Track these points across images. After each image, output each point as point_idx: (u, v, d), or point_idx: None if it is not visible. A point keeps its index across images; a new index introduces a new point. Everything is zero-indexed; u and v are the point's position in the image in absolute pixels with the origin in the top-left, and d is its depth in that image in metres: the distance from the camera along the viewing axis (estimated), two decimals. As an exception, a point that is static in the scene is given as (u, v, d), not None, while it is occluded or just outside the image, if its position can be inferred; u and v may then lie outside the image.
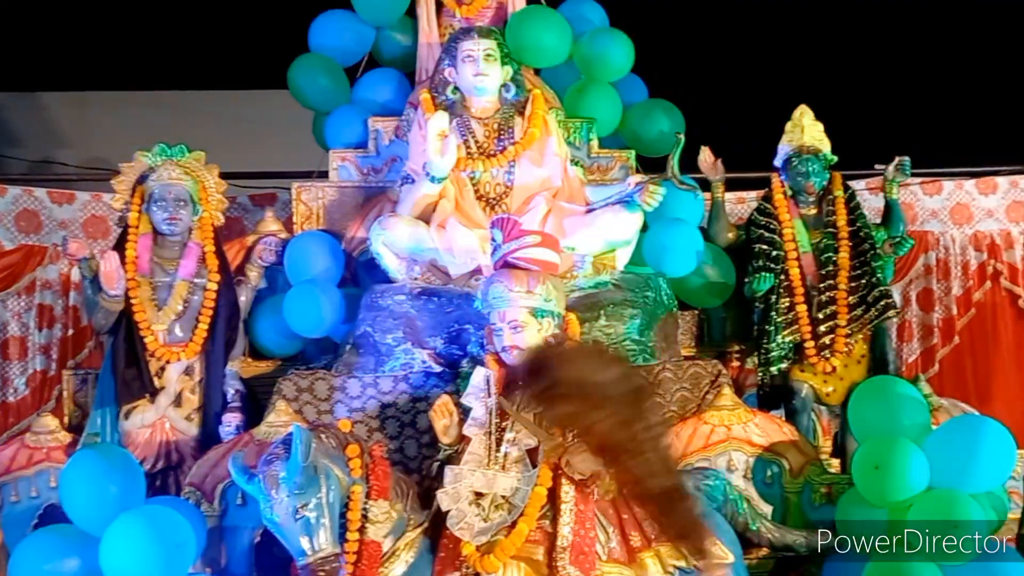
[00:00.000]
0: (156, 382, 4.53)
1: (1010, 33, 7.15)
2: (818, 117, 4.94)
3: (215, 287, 4.62)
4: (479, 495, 3.63)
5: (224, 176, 4.84)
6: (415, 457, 4.16)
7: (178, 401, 4.56)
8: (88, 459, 4.01)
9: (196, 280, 4.62)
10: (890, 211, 4.95)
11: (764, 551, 4.08)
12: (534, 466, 3.64)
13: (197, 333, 4.57)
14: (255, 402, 4.62)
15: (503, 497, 3.62)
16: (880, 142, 5.59)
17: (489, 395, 3.76)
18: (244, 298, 4.78)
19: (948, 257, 6.18)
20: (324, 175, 5.17)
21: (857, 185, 5.69)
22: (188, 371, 4.57)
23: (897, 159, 4.92)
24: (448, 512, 3.62)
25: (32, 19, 7.24)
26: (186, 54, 7.39)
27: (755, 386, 4.84)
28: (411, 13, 5.31)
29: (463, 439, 3.74)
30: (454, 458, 3.73)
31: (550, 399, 3.53)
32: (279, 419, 4.15)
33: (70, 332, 5.90)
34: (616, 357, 3.84)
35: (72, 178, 6.70)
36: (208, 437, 4.50)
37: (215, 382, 4.56)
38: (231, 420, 4.47)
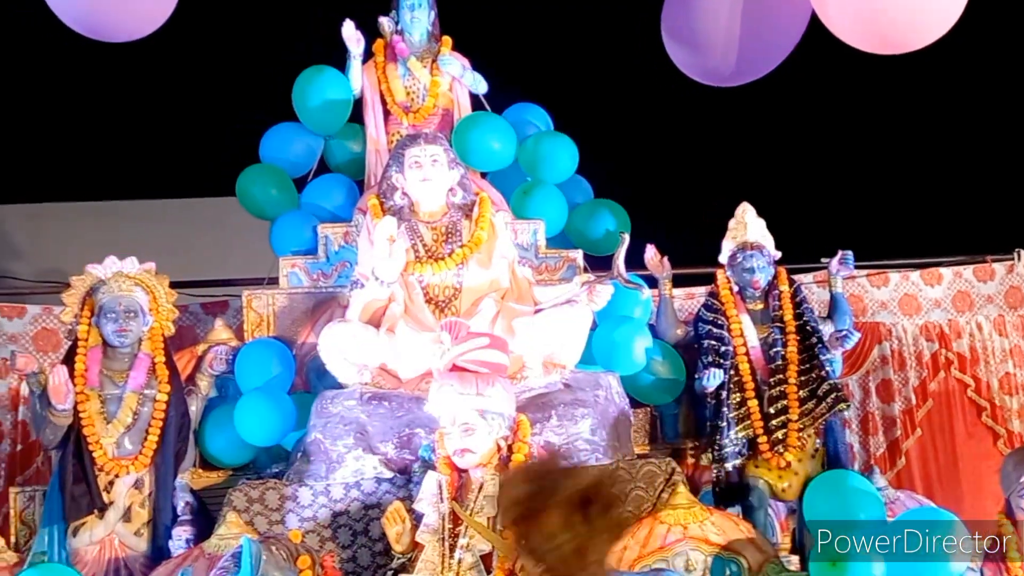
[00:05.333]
0: (105, 497, 4.45)
1: (950, 127, 7.37)
2: (762, 212, 5.03)
3: (165, 398, 4.57)
4: (433, 603, 3.58)
5: (175, 285, 4.84)
6: (368, 566, 4.09)
7: (127, 516, 4.48)
8: (34, 580, 3.94)
9: (146, 391, 4.58)
10: (835, 305, 5.01)
11: (726, 652, 4.02)
12: (488, 572, 3.60)
13: (147, 445, 4.51)
14: (206, 514, 4.54)
15: (458, 605, 3.57)
16: (827, 235, 5.70)
17: (442, 500, 3.73)
18: (194, 408, 4.74)
19: (902, 348, 6.25)
20: (275, 282, 5.19)
21: (805, 279, 5.78)
22: (137, 484, 4.50)
23: (840, 253, 5.01)
24: (401, 622, 3.57)
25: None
26: (138, 163, 7.45)
27: (710, 483, 4.81)
28: (359, 120, 5.42)
29: (416, 546, 3.70)
30: (408, 566, 3.69)
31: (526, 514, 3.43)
32: (230, 531, 4.08)
33: (18, 448, 5.78)
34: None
35: (24, 291, 6.67)
36: (158, 552, 4.41)
37: (165, 495, 4.49)
38: (181, 534, 4.39)
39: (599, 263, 5.20)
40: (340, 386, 4.50)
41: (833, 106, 7.38)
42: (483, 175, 5.35)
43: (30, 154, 7.39)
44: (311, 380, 4.84)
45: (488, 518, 3.66)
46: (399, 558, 3.73)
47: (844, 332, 4.80)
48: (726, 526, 4.27)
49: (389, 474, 4.26)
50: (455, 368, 3.89)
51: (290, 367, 4.77)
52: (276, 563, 3.49)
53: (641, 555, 4.16)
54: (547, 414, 4.32)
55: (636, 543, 4.19)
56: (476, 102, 5.44)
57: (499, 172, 5.41)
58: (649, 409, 5.09)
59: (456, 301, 4.59)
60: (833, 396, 4.71)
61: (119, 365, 4.61)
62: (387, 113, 5.37)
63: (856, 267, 5.23)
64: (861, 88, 6.96)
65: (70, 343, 4.70)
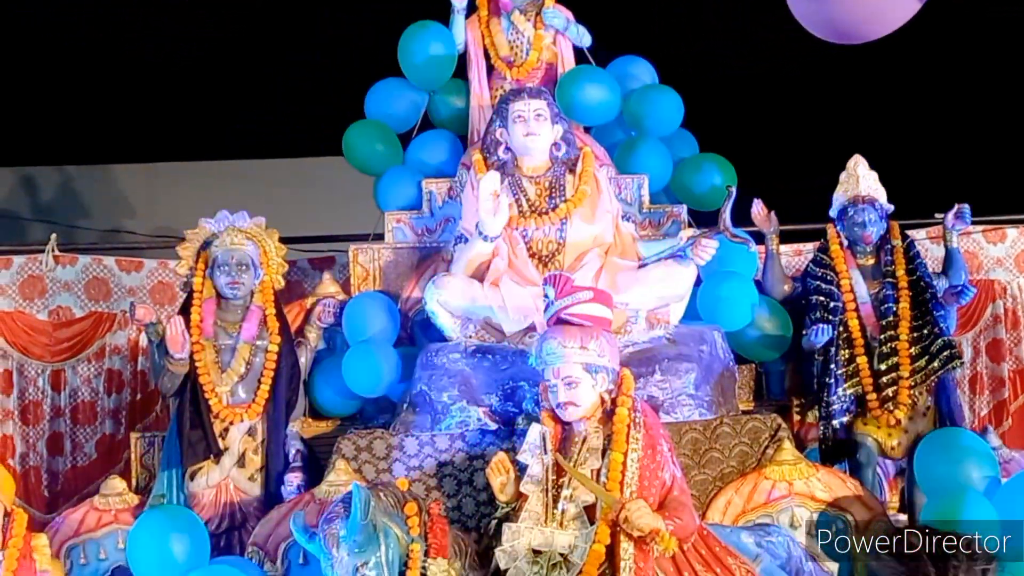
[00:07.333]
0: (220, 443, 4.58)
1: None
2: (875, 166, 4.88)
3: (276, 349, 4.68)
4: (537, 553, 3.62)
5: (284, 240, 4.93)
6: (473, 515, 4.17)
7: (241, 461, 4.62)
8: (154, 520, 4.11)
9: (258, 342, 4.70)
10: (950, 260, 4.84)
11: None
12: (592, 523, 3.61)
13: (259, 394, 4.64)
14: (316, 461, 4.66)
15: (561, 555, 3.60)
16: (941, 189, 5.53)
17: (545, 452, 3.75)
18: (304, 359, 4.83)
19: (1016, 306, 6.04)
20: (380, 237, 5.25)
21: (918, 234, 5.61)
22: (251, 432, 4.64)
23: (956, 207, 4.83)
24: (506, 570, 3.62)
25: (102, 96, 7.54)
26: (248, 124, 7.62)
27: (817, 440, 4.75)
28: (462, 75, 5.42)
29: (520, 496, 3.74)
30: (512, 516, 3.73)
31: None
32: (339, 478, 4.20)
33: (138, 396, 6.02)
34: None
35: (140, 246, 6.90)
36: (271, 497, 4.55)
37: (277, 442, 4.62)
38: (293, 480, 4.53)
39: (704, 218, 5.13)
40: (444, 339, 4.55)
41: (948, 57, 7.13)
42: (587, 129, 5.31)
43: (145, 116, 7.62)
44: (416, 333, 4.90)
45: (592, 470, 3.67)
46: (503, 507, 3.77)
47: (960, 287, 4.64)
48: (833, 483, 4.22)
49: (493, 426, 4.31)
50: (559, 322, 3.89)
51: (396, 320, 4.83)
52: (384, 509, 3.57)
53: (745, 510, 4.16)
54: (651, 368, 4.31)
55: (740, 498, 4.19)
56: (580, 56, 5.38)
57: (603, 126, 5.36)
58: (754, 365, 5.03)
59: (560, 256, 4.59)
60: (947, 353, 4.58)
61: (232, 317, 4.73)
62: (491, 68, 5.36)
63: (972, 222, 5.05)
64: (977, 38, 6.71)
65: (185, 295, 4.83)
